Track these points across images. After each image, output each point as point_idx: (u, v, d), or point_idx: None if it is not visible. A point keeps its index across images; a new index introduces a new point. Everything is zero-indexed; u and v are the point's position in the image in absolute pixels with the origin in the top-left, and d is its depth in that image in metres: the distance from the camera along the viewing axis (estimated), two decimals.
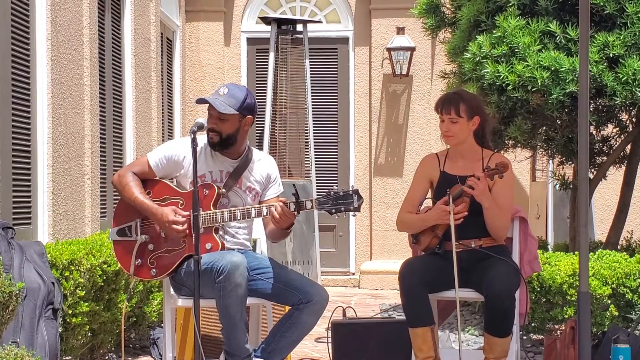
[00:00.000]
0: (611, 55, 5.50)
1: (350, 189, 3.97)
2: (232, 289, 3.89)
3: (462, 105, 4.39)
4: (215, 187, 4.13)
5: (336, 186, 4.10)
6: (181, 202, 4.15)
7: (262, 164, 4.35)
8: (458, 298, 4.20)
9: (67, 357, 4.75)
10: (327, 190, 4.01)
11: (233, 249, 4.19)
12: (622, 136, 6.47)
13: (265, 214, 4.09)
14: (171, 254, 4.13)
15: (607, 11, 5.56)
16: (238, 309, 3.94)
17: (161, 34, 8.52)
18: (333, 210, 3.97)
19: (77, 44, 6.20)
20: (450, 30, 6.94)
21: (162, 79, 8.51)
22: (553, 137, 6.34)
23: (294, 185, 4.02)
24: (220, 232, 4.18)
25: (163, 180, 4.25)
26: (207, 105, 4.16)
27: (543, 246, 6.86)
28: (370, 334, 4.79)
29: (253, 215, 4.12)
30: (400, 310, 4.42)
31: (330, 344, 4.91)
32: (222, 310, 3.95)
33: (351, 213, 3.97)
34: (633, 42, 5.50)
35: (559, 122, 6.06)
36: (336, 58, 10.01)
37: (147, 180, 4.24)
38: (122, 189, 4.20)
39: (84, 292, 4.63)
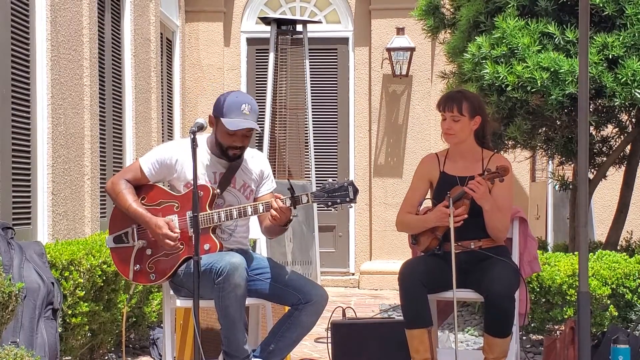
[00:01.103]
0: (610, 56, 5.50)
1: (345, 180, 3.97)
2: (231, 289, 3.89)
3: (465, 104, 4.37)
4: (210, 188, 4.11)
5: (332, 179, 4.08)
6: (177, 205, 4.14)
7: (255, 161, 4.32)
8: (456, 299, 4.20)
9: (66, 357, 4.75)
10: (322, 184, 4.01)
11: (232, 248, 4.19)
12: (622, 136, 6.47)
13: (261, 211, 4.08)
14: (169, 257, 4.11)
15: (607, 12, 5.56)
16: (237, 310, 3.94)
17: (161, 34, 8.52)
18: (329, 203, 3.96)
19: (76, 44, 6.20)
20: (449, 30, 6.95)
21: (161, 79, 8.51)
22: (553, 137, 6.34)
23: (288, 180, 4.01)
24: (218, 232, 4.17)
25: (157, 184, 4.24)
26: (230, 122, 4.05)
27: (543, 246, 6.87)
28: (369, 334, 4.78)
29: (250, 214, 4.10)
30: (399, 311, 4.42)
31: (329, 344, 4.91)
32: (222, 311, 3.94)
33: (347, 204, 3.96)
34: (632, 43, 5.50)
35: (558, 123, 6.06)
36: (336, 58, 10.01)
37: (141, 185, 4.20)
38: (115, 196, 4.17)
39: (84, 292, 4.63)
